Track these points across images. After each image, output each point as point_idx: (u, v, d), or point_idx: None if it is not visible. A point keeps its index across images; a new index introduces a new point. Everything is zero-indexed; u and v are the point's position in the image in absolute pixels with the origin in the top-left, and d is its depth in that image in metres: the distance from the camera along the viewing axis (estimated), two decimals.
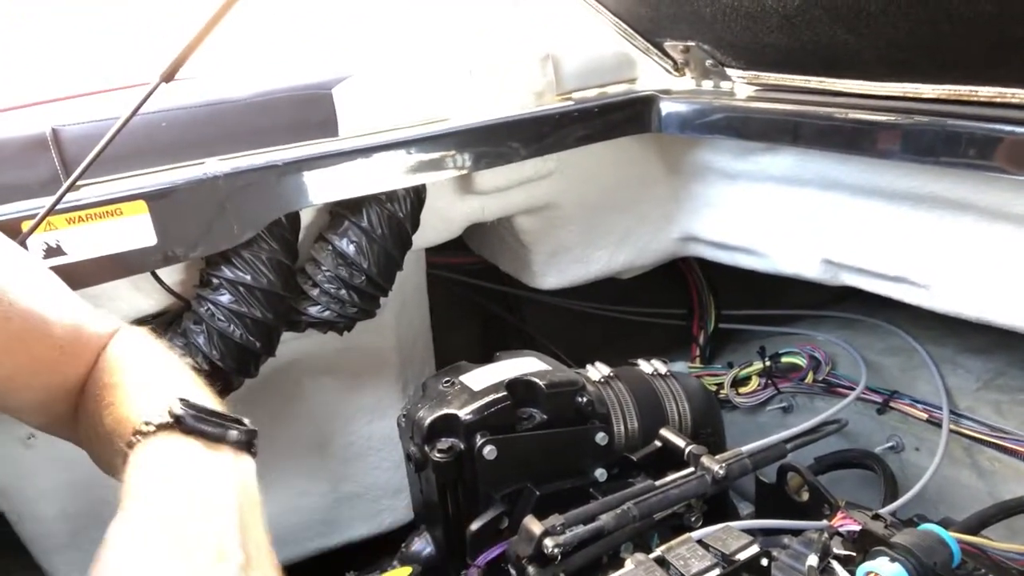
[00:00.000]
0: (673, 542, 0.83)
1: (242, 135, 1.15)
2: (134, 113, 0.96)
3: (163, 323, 1.21)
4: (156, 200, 1.03)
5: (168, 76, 0.94)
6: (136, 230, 1.03)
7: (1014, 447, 1.20)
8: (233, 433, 0.72)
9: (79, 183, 0.98)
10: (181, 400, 0.71)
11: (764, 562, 0.81)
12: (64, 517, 1.30)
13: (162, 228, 1.03)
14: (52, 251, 0.98)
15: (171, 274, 1.17)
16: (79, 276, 0.99)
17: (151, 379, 0.80)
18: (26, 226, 0.95)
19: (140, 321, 1.18)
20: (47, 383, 0.84)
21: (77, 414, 0.86)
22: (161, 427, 0.69)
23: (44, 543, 1.32)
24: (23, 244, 0.94)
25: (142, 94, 0.95)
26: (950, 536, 0.81)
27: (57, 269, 0.95)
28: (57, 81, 1.30)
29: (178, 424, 0.69)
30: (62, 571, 1.34)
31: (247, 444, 0.74)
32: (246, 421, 0.76)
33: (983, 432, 1.24)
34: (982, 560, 0.88)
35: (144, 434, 0.68)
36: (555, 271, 1.55)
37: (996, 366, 1.36)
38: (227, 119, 1.16)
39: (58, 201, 0.95)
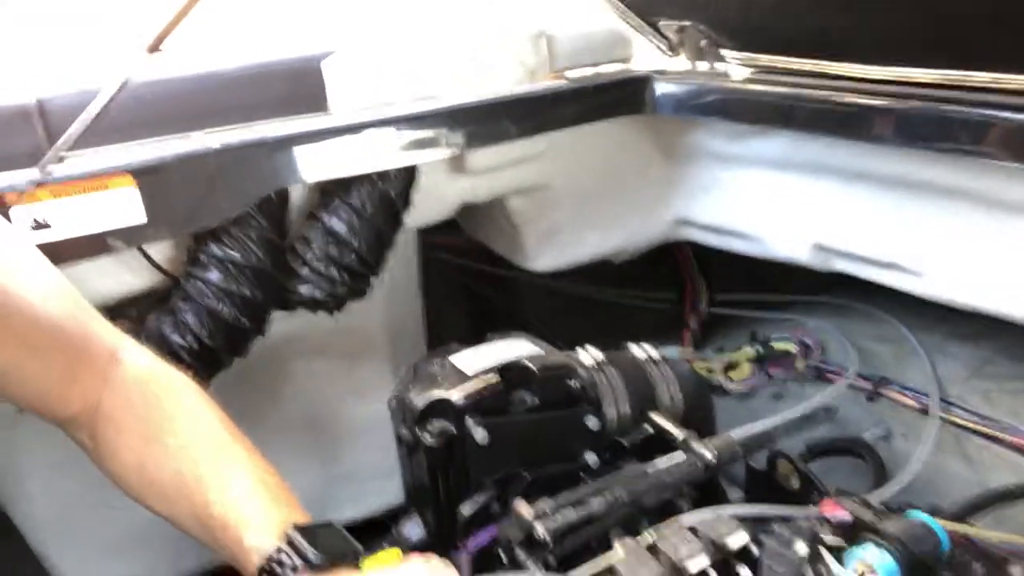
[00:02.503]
0: (662, 527, 0.83)
1: (230, 108, 1.14)
2: (121, 86, 0.94)
3: (152, 301, 1.19)
4: (144, 175, 1.01)
5: (154, 47, 0.93)
6: (124, 205, 1.01)
7: (1002, 436, 1.21)
8: (347, 556, 0.81)
9: (64, 155, 0.96)
10: (296, 529, 0.80)
11: (753, 548, 0.81)
12: (53, 495, 1.29)
13: (150, 203, 1.02)
14: (38, 225, 0.97)
15: (160, 251, 1.15)
16: (65, 251, 0.98)
17: (229, 469, 0.86)
18: (11, 199, 0.93)
19: (129, 299, 1.17)
20: (42, 375, 0.85)
21: (96, 436, 0.89)
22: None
23: (34, 522, 1.31)
24: (6, 215, 0.93)
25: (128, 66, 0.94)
26: (937, 524, 0.82)
27: (43, 244, 0.93)
28: (43, 53, 1.28)
29: (308, 566, 0.78)
30: (52, 550, 1.33)
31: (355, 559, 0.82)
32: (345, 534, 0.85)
33: (972, 420, 1.25)
34: (969, 548, 0.88)
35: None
36: (547, 253, 1.55)
37: (985, 354, 1.36)
38: (215, 92, 1.15)
39: (42, 171, 0.93)
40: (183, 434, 0.87)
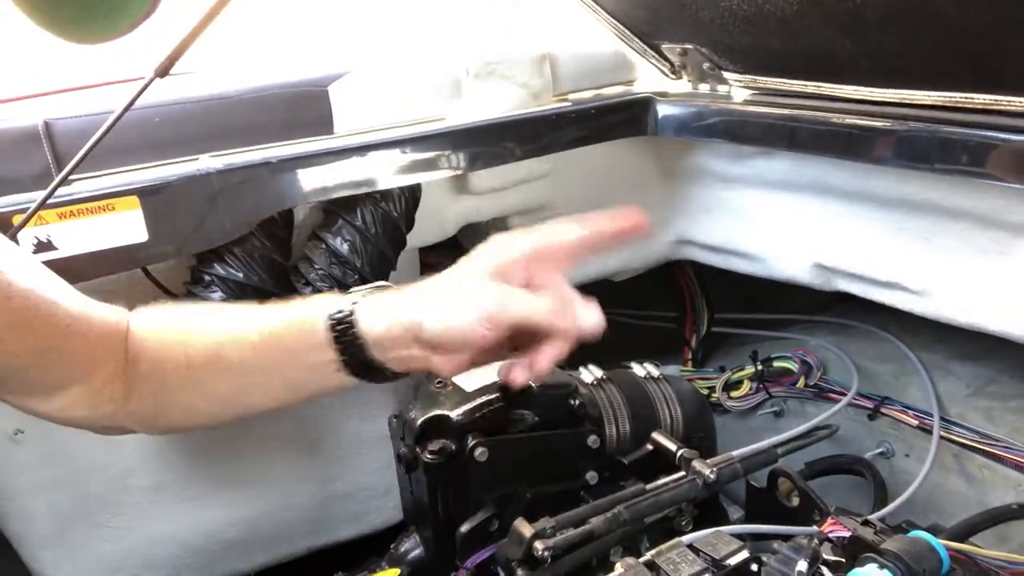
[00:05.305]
0: (663, 546, 0.83)
1: (237, 131, 1.15)
2: (128, 107, 0.95)
3: None
4: (148, 196, 1.02)
5: (163, 71, 0.94)
6: (128, 226, 1.02)
7: (1004, 454, 1.20)
8: None
9: (71, 177, 0.97)
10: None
11: (754, 567, 0.81)
12: (51, 513, 1.29)
13: (154, 224, 1.03)
14: (43, 246, 0.98)
15: (163, 270, 1.16)
16: (70, 271, 0.98)
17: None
18: (17, 220, 0.94)
19: None
20: (58, 364, 0.85)
21: (129, 396, 0.91)
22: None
23: (30, 540, 1.31)
24: (14, 238, 0.94)
25: (136, 88, 0.95)
26: (939, 543, 0.81)
27: (48, 264, 0.94)
28: (50, 74, 1.29)
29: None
30: (48, 568, 1.32)
31: None
32: None
33: (973, 439, 1.24)
34: (970, 567, 0.87)
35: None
36: None
37: (987, 373, 1.36)
38: (222, 115, 1.16)
39: (50, 195, 0.94)
40: (216, 319, 0.92)
